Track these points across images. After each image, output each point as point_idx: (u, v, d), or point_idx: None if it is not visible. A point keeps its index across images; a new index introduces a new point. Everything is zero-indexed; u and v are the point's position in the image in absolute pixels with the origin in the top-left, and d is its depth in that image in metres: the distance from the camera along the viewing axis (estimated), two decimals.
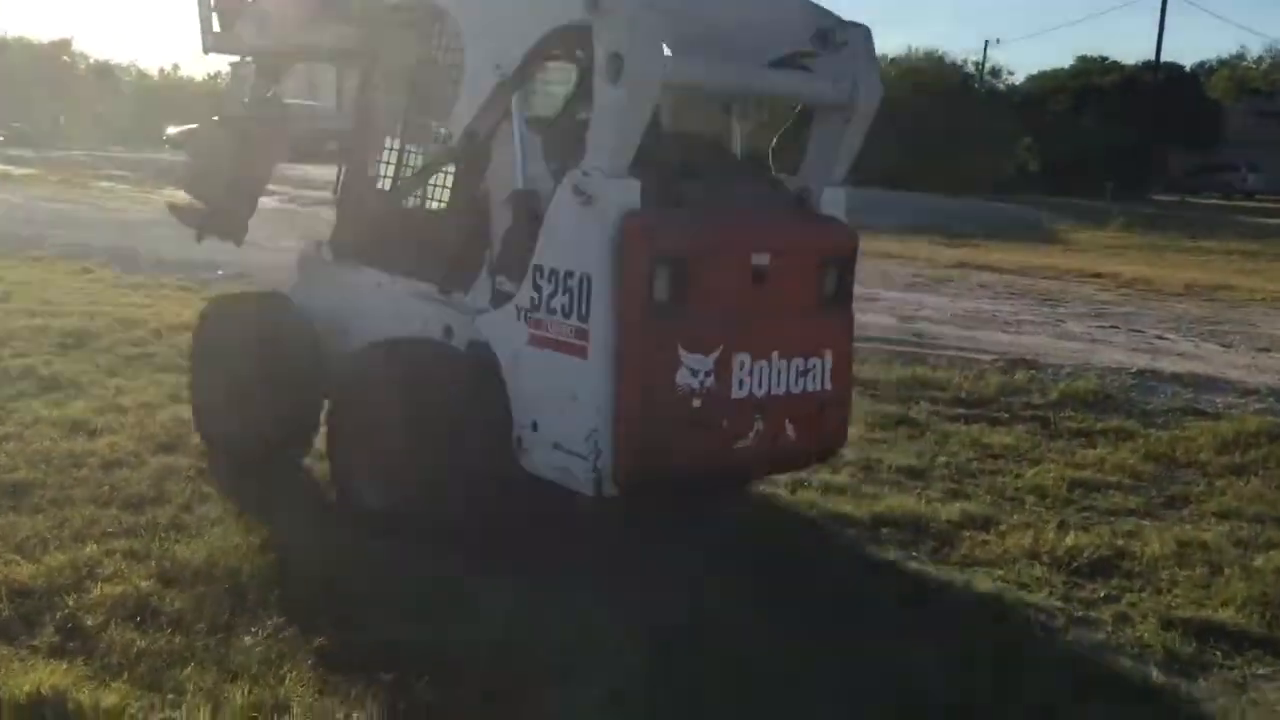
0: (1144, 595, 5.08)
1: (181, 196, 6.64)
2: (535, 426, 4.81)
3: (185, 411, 6.56)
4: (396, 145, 5.75)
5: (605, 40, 4.45)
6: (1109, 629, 4.70)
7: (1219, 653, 4.56)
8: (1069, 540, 5.61)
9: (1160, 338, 11.00)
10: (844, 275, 5.18)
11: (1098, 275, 16.14)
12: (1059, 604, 4.91)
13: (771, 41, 5.19)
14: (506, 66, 4.92)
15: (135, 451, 6.12)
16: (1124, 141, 49.56)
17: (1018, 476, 6.77)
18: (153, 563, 4.65)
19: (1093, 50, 61.48)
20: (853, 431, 7.45)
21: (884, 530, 5.71)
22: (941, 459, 7.04)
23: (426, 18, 5.46)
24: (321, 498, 5.40)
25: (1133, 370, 9.17)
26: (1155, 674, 4.30)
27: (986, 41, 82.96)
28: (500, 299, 4.98)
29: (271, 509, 5.34)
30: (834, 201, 5.29)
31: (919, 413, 8.02)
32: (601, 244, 4.50)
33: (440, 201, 5.51)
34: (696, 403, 4.60)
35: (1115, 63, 61.93)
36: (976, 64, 56.17)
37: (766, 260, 4.81)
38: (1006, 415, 8.08)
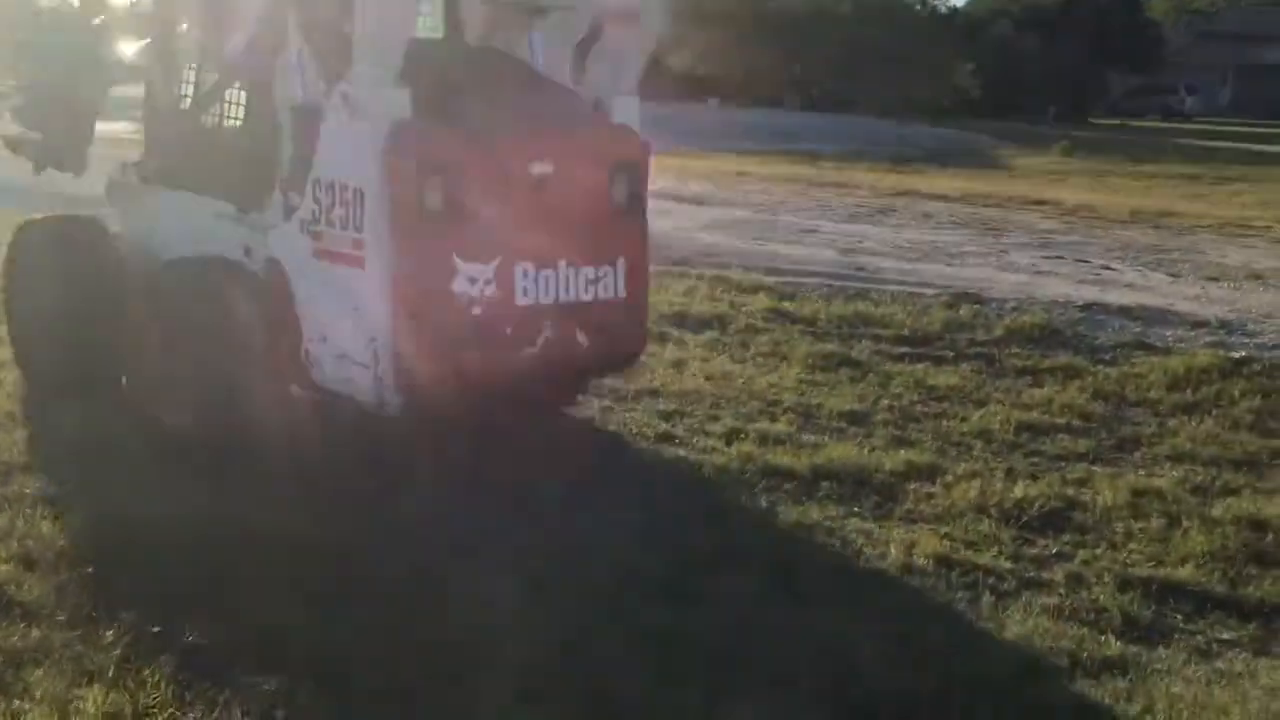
0: (1098, 551, 4.77)
1: (15, 128, 6.31)
2: (324, 339, 4.86)
3: None
4: (196, 63, 5.72)
5: None
6: (1062, 591, 4.37)
7: (1180, 616, 4.26)
8: (1017, 491, 5.29)
9: (1106, 268, 10.69)
10: (635, 183, 5.21)
11: (1041, 203, 15.79)
12: (1009, 565, 4.58)
13: None
14: None
15: (10, 411, 5.62)
16: (1065, 64, 49.37)
17: (963, 420, 6.43)
18: (14, 543, 4.20)
19: None
20: (792, 374, 7.18)
21: (824, 484, 5.33)
22: (884, 402, 6.70)
23: None
24: (215, 465, 4.93)
25: (1079, 303, 8.85)
26: (1114, 643, 3.97)
27: None
28: (290, 214, 4.98)
29: (158, 477, 4.87)
30: (627, 110, 5.35)
31: (861, 352, 7.66)
32: (370, 155, 4.53)
33: (236, 119, 5.46)
34: (477, 310, 4.66)
35: None
36: None
37: (549, 169, 4.84)
38: (951, 353, 7.74)
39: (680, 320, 8.32)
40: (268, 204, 5.10)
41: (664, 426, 6.07)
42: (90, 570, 3.99)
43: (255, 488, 4.66)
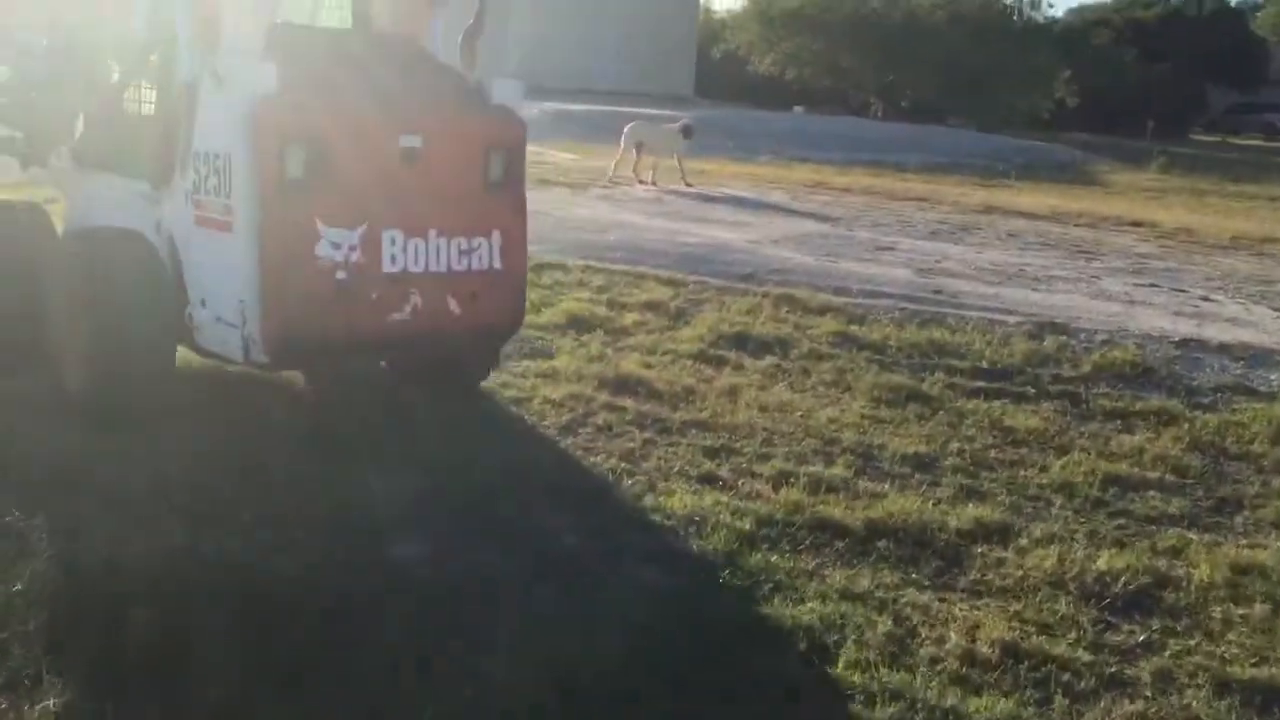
0: (1192, 643, 4.14)
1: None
2: (204, 303, 5.11)
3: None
4: (119, 47, 5.89)
5: None
6: (1148, 694, 3.75)
7: None
8: (1101, 562, 4.68)
9: (1206, 298, 9.92)
10: (511, 161, 5.50)
11: (1137, 224, 14.95)
12: (1088, 656, 3.96)
13: None
14: None
15: None
16: (1164, 78, 47.94)
17: (1043, 470, 5.81)
18: None
19: None
20: (855, 407, 6.60)
21: (880, 543, 4.77)
22: (955, 445, 6.09)
23: None
24: (192, 503, 4.51)
25: (1175, 338, 8.14)
26: None
27: None
28: (181, 187, 5.23)
29: (135, 508, 4.44)
30: (507, 91, 5.66)
31: (933, 385, 7.05)
32: (237, 125, 4.80)
33: (149, 101, 5.68)
34: (341, 275, 4.90)
35: None
36: None
37: (418, 143, 5.11)
38: (1032, 390, 7.09)
39: (740, 342, 7.78)
40: (171, 181, 5.29)
41: (708, 465, 5.55)
42: (39, 624, 3.53)
43: (212, 508, 4.23)
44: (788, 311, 8.51)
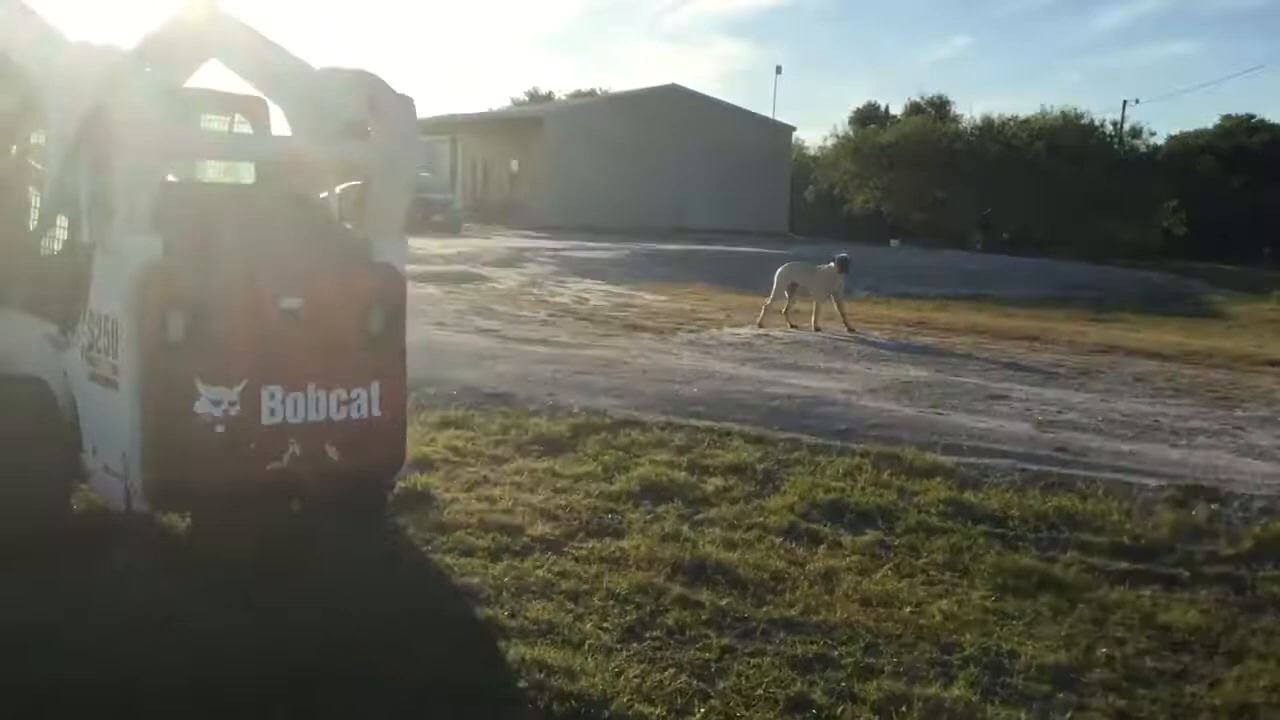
0: None
1: None
2: (94, 451, 5.39)
3: None
4: (39, 194, 5.96)
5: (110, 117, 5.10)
6: None
7: None
8: None
9: None
10: (391, 315, 5.71)
11: (1275, 364, 13.67)
12: None
13: (333, 111, 5.97)
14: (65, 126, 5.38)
15: None
16: (1277, 202, 46.52)
17: (1214, 686, 4.73)
18: None
19: (1235, 109, 58.14)
20: (975, 598, 5.57)
21: None
22: (1101, 650, 5.03)
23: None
24: None
25: None
26: None
27: (1125, 101, 78.04)
28: (80, 340, 5.47)
29: None
30: (390, 250, 5.92)
31: (1067, 568, 5.98)
32: (123, 292, 5.06)
33: (62, 248, 5.77)
34: (220, 429, 5.09)
35: (1263, 121, 58.69)
36: (1115, 124, 53.09)
37: (298, 304, 5.31)
38: (1186, 573, 5.99)
39: (836, 513, 6.79)
40: (76, 329, 5.50)
41: (798, 685, 4.55)
42: None
43: None
44: (890, 474, 7.50)
